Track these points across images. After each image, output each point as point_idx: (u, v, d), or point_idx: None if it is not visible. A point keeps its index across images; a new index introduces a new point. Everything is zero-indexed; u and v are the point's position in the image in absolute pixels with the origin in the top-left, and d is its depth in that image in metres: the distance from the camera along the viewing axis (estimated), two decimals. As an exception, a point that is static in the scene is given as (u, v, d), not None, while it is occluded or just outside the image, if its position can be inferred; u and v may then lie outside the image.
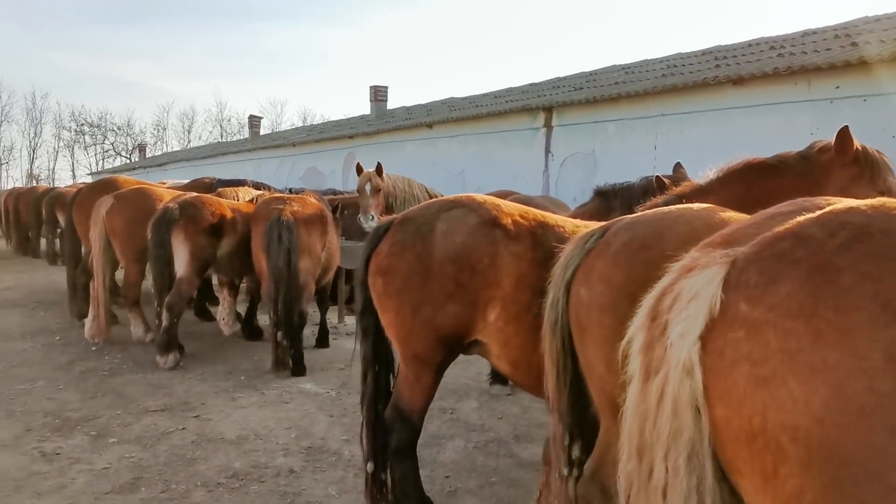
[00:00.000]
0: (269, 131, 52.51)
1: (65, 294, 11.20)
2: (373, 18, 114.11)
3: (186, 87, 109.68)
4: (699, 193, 3.74)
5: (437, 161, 17.91)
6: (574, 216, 5.38)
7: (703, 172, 5.09)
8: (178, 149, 68.25)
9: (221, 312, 8.80)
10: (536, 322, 3.30)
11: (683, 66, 14.57)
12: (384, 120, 23.85)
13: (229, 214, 7.57)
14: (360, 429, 3.89)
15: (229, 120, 75.66)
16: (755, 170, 3.76)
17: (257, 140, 35.54)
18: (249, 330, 8.54)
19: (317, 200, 7.76)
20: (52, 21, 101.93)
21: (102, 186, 9.24)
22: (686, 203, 3.58)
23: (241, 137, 64.64)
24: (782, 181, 3.64)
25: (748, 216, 2.55)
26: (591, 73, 18.95)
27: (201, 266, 7.38)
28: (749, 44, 14.95)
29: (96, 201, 8.50)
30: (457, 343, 3.52)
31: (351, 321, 9.81)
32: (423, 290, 3.44)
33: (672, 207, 2.86)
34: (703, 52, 15.92)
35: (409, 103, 27.89)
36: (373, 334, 3.78)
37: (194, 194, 7.81)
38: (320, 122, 67.87)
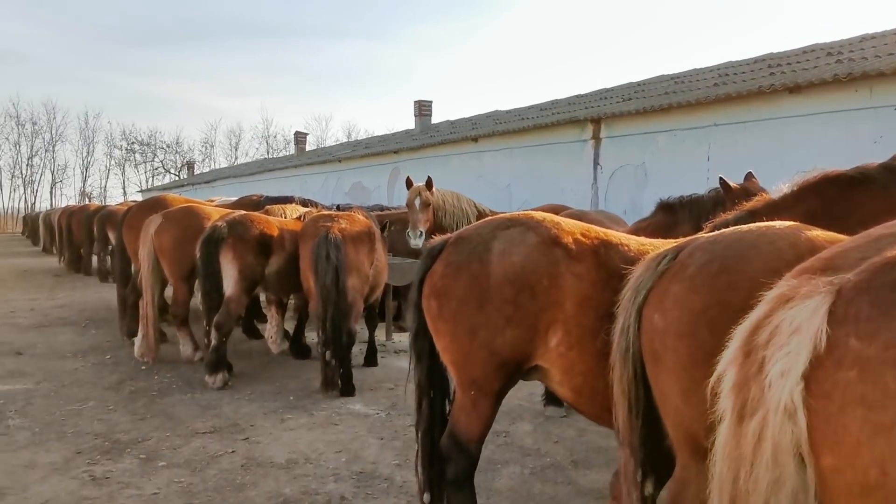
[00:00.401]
0: (315, 147, 52.99)
1: (116, 312, 11.31)
2: (416, 33, 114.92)
3: (233, 105, 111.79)
4: (772, 209, 3.51)
5: (483, 175, 17.76)
6: (635, 232, 5.17)
7: (774, 186, 4.87)
8: (226, 165, 69.35)
9: (269, 331, 8.74)
10: (602, 347, 3.11)
11: (736, 74, 14.22)
12: (429, 134, 23.81)
13: (277, 232, 7.51)
14: (413, 455, 3.74)
15: (275, 136, 76.76)
16: (834, 183, 3.51)
17: (303, 156, 35.85)
18: (297, 348, 8.46)
19: (364, 217, 7.65)
20: (104, 43, 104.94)
21: (151, 205, 9.28)
22: (759, 219, 3.37)
23: (287, 153, 65.51)
24: (865, 194, 3.39)
25: (843, 236, 2.35)
26: (638, 84, 18.65)
27: (250, 285, 7.33)
28: (804, 50, 14.55)
29: (146, 220, 8.54)
30: (516, 369, 3.35)
31: (399, 338, 9.70)
32: (481, 314, 3.27)
33: (751, 226, 2.65)
34: (756, 60, 15.53)
35: (452, 117, 27.84)
36: (427, 358, 3.62)
37: (242, 212, 7.78)
38: (364, 136, 68.49)
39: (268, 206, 8.73)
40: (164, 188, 56.93)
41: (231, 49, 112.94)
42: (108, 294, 14.29)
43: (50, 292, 14.80)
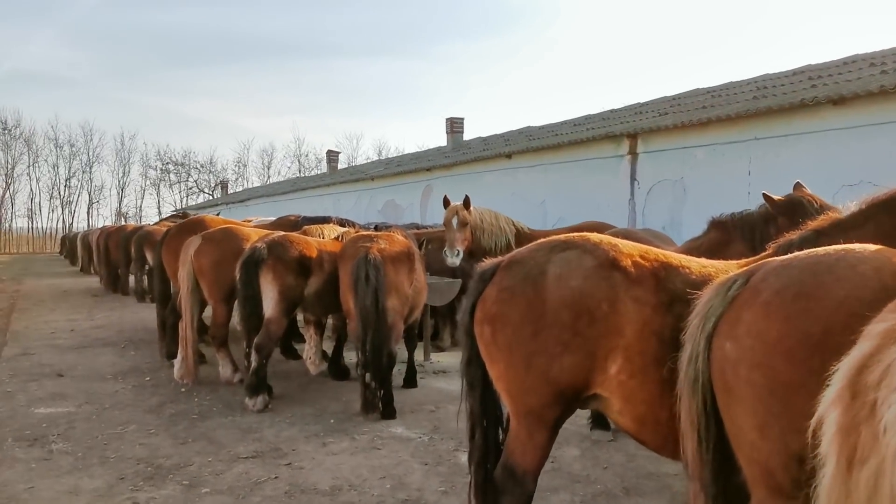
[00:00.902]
0: (346, 165, 53.30)
1: (154, 332, 11.34)
2: (446, 51, 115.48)
3: (265, 124, 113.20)
4: (840, 228, 3.36)
5: (517, 191, 17.63)
6: (687, 251, 5.02)
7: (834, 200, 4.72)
8: (259, 184, 70.00)
9: (308, 351, 8.69)
10: (666, 375, 2.98)
11: (774, 87, 13.98)
12: (461, 151, 23.77)
13: (316, 253, 7.46)
14: (459, 482, 3.62)
15: (307, 155, 77.27)
16: (906, 199, 3.35)
17: (335, 175, 36.02)
18: (336, 369, 8.39)
19: (404, 237, 7.58)
20: (139, 66, 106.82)
21: (190, 226, 9.31)
22: (826, 240, 3.22)
23: (319, 172, 65.98)
24: (943, 213, 3.23)
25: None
26: (674, 98, 18.44)
27: (290, 306, 7.28)
28: (844, 61, 14.27)
29: (184, 241, 8.56)
30: (574, 397, 3.22)
31: (437, 358, 9.59)
32: (537, 341, 3.16)
33: (828, 249, 2.51)
34: (794, 72, 15.28)
35: (484, 133, 27.78)
36: (480, 386, 3.51)
37: (281, 233, 7.75)
38: (395, 154, 68.82)
39: (305, 227, 8.69)
40: (199, 208, 57.59)
41: (263, 68, 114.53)
42: (146, 314, 14.39)
43: (89, 313, 14.93)
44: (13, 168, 64.36)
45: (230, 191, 64.11)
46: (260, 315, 7.21)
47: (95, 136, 72.23)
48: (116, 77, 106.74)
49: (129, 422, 6.68)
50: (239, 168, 76.47)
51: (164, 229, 17.37)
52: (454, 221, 8.51)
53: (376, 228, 9.52)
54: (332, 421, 6.71)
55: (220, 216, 20.75)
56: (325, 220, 10.24)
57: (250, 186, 69.24)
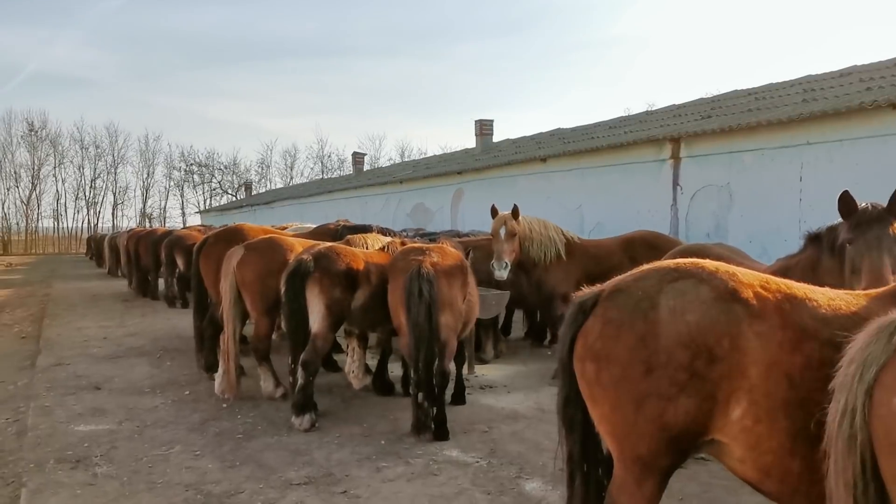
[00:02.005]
0: (369, 166, 53.15)
1: (188, 340, 11.14)
2: (465, 50, 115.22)
3: (288, 125, 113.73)
4: None
5: (552, 196, 17.29)
6: (783, 271, 4.67)
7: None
8: (281, 185, 70.05)
9: (350, 365, 8.41)
10: (799, 423, 2.67)
11: (822, 89, 13.54)
12: (493, 154, 23.45)
13: (363, 265, 7.18)
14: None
15: (329, 156, 77.26)
16: None
17: (362, 177, 35.82)
18: (381, 384, 8.10)
19: (454, 248, 7.27)
20: (161, 67, 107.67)
21: (229, 235, 9.06)
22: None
23: (341, 173, 65.94)
24: None
25: None
26: (713, 100, 18.02)
27: (337, 320, 7.01)
28: (894, 63, 13.81)
29: (223, 251, 8.31)
30: (689, 443, 2.90)
31: (481, 371, 9.27)
32: (649, 381, 2.84)
33: None
34: (842, 74, 14.82)
35: (509, 134, 27.47)
36: (581, 428, 3.20)
37: (327, 244, 7.47)
38: (418, 155, 68.61)
39: (349, 237, 8.40)
40: (223, 209, 57.71)
41: (284, 69, 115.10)
42: (178, 321, 14.22)
43: (120, 319, 14.77)
44: (39, 169, 64.96)
45: (253, 192, 64.18)
46: (306, 330, 6.94)
47: (120, 137, 72.35)
48: (140, 78, 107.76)
49: (172, 441, 6.43)
50: (262, 169, 76.65)
51: (195, 234, 17.35)
52: (502, 232, 8.22)
53: (423, 238, 9.24)
54: (382, 442, 6.42)
55: (246, 224, 20.62)
56: (365, 228, 9.97)
57: (274, 188, 69.30)
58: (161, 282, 18.88)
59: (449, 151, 43.07)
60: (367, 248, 8.05)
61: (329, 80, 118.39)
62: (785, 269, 4.82)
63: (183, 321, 14.03)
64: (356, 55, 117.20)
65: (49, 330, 13.22)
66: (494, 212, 8.45)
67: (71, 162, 67.54)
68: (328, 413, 7.29)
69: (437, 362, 6.46)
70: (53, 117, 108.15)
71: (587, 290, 3.23)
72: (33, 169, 64.42)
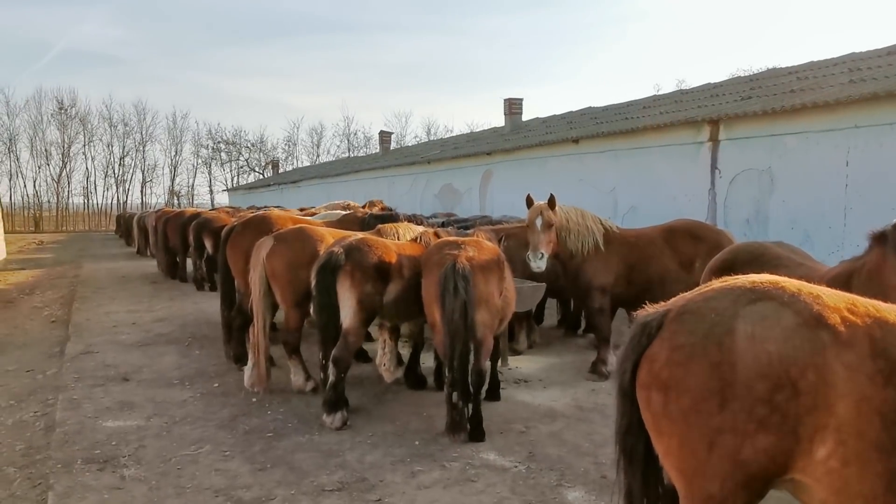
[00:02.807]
0: (396, 145, 52.81)
1: (217, 327, 11.01)
2: (491, 25, 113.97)
3: (315, 102, 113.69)
4: None
5: (585, 178, 16.92)
6: (847, 275, 4.35)
7: None
8: (308, 164, 70.00)
9: (382, 358, 8.19)
10: (893, 467, 2.39)
11: (870, 69, 12.99)
12: (522, 134, 23.04)
13: (395, 258, 6.94)
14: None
15: (356, 133, 77.06)
16: None
17: (389, 156, 35.56)
18: (413, 378, 7.89)
19: (490, 241, 7.00)
20: (188, 44, 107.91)
21: (257, 223, 8.85)
22: None
23: (368, 151, 65.74)
24: None
25: None
26: (751, 79, 17.48)
27: (369, 315, 6.78)
28: (946, 40, 13.21)
29: (251, 240, 8.12)
30: (766, 484, 2.63)
31: (514, 364, 9.03)
32: (723, 415, 2.57)
33: None
34: (889, 52, 14.23)
35: (540, 113, 26.99)
36: (642, 460, 2.93)
37: (358, 236, 7.23)
38: (444, 133, 68.14)
39: (379, 227, 8.14)
40: (250, 187, 57.80)
41: (310, 46, 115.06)
42: (206, 305, 14.13)
43: (149, 303, 14.70)
44: (69, 147, 65.42)
45: (280, 170, 64.17)
46: (337, 325, 6.72)
47: (148, 115, 72.81)
48: (167, 55, 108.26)
49: (201, 440, 6.26)
50: (289, 147, 76.70)
51: (223, 217, 17.21)
52: (538, 223, 7.92)
53: (443, 225, 8.97)
54: (416, 443, 6.21)
55: (277, 209, 20.49)
56: (393, 217, 9.71)
57: (300, 166, 69.29)
58: (189, 263, 18.80)
59: (476, 130, 42.67)
60: (398, 239, 7.81)
61: (355, 56, 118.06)
62: (849, 273, 4.50)
63: (211, 305, 13.94)
64: (382, 31, 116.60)
65: (78, 314, 13.18)
66: (530, 201, 8.14)
67: (100, 140, 68.03)
68: (359, 409, 7.10)
69: (472, 361, 6.22)
70: (82, 95, 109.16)
71: (650, 309, 2.94)
72: (63, 147, 64.95)
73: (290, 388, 7.78)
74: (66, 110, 64.44)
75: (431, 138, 64.50)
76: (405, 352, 8.43)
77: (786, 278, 2.84)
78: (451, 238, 7.17)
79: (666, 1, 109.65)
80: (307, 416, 6.92)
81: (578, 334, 11.03)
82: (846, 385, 2.48)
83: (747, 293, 2.72)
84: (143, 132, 69.24)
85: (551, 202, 7.98)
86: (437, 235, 7.81)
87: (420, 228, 8.36)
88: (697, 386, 2.61)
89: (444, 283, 6.12)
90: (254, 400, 7.46)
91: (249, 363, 7.75)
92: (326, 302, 6.70)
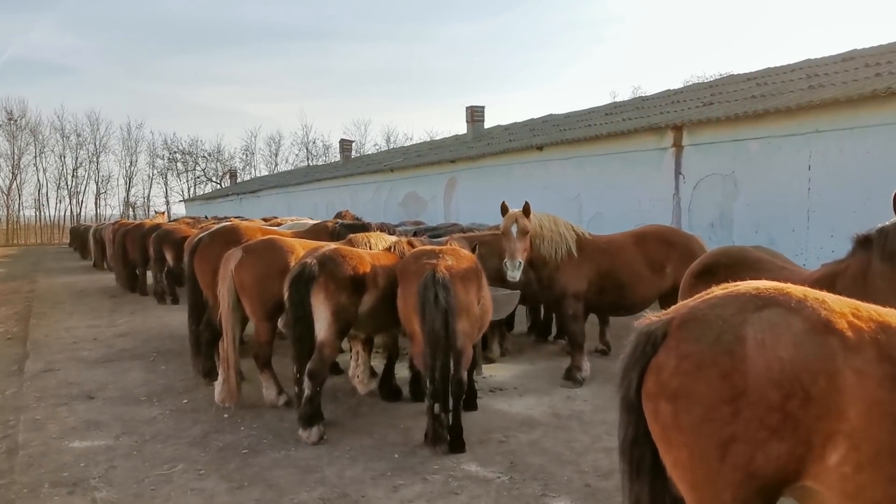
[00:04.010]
0: (356, 153, 52.52)
1: (181, 340, 10.81)
2: (447, 33, 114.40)
3: (272, 110, 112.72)
4: None
5: (550, 185, 16.99)
6: (830, 277, 4.37)
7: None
8: (266, 172, 69.33)
9: (355, 370, 8.08)
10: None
11: (827, 74, 13.28)
12: (486, 142, 23.07)
13: (370, 268, 6.83)
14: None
15: (314, 142, 76.60)
16: None
17: (351, 165, 35.33)
18: (388, 390, 7.78)
19: (465, 249, 6.93)
20: (141, 52, 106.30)
21: (225, 235, 8.66)
22: None
23: (327, 159, 65.33)
24: None
25: None
26: (710, 85, 17.75)
27: (344, 327, 6.66)
28: (891, 49, 13.57)
29: (219, 251, 7.94)
30: (778, 492, 2.60)
31: (489, 372, 8.97)
32: (735, 424, 2.52)
33: None
34: (844, 58, 14.59)
35: (498, 119, 27.06)
36: (650, 473, 2.87)
37: (332, 246, 7.10)
38: (404, 140, 68.07)
39: (351, 236, 8.02)
40: (208, 197, 57.02)
41: (266, 53, 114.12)
42: (169, 319, 13.83)
43: (110, 317, 14.33)
44: (20, 159, 63.99)
45: (239, 179, 63.44)
46: (312, 337, 6.59)
47: (102, 125, 71.82)
48: (120, 64, 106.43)
49: (174, 459, 6.08)
50: (247, 156, 75.97)
51: (184, 228, 16.90)
52: (513, 230, 7.88)
53: (415, 234, 8.89)
54: (396, 455, 6.10)
55: (237, 219, 20.26)
56: (364, 227, 9.59)
57: (259, 175, 68.58)
58: (149, 275, 18.40)
59: (437, 137, 42.72)
60: (370, 249, 7.70)
61: (313, 64, 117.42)
62: (832, 275, 4.52)
63: (174, 319, 13.66)
64: (340, 39, 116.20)
65: (36, 330, 12.79)
66: (505, 209, 8.10)
67: (52, 151, 66.68)
68: (335, 423, 6.96)
69: (452, 371, 6.14)
70: (33, 105, 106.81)
71: (653, 318, 2.89)
72: (13, 158, 63.43)
73: (262, 402, 7.61)
74: (16, 121, 62.99)
75: (391, 146, 64.43)
76: (377, 363, 8.32)
77: (789, 284, 2.81)
78: (428, 247, 7.09)
79: (621, 10, 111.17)
80: (282, 431, 6.77)
81: (549, 340, 11.02)
82: (857, 390, 2.46)
83: (753, 300, 2.68)
84: (97, 143, 68.09)
85: (526, 210, 7.95)
86: (410, 245, 7.73)
87: (392, 238, 8.25)
88: (708, 395, 2.57)
89: (423, 293, 6.03)
90: (225, 416, 7.28)
91: (220, 378, 7.57)
92: (301, 315, 6.56)
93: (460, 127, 27.21)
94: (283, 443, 6.45)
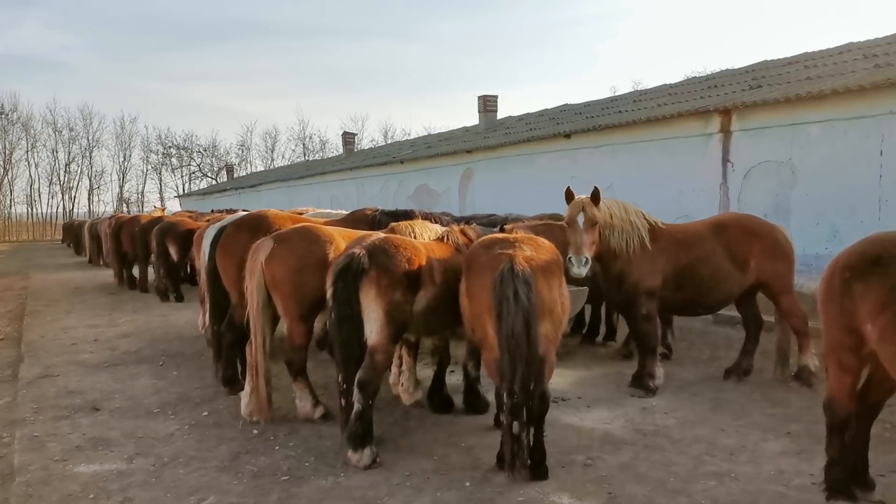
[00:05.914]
0: (355, 147, 51.37)
1: (191, 342, 9.94)
2: (443, 29, 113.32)
3: (268, 106, 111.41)
4: None
5: (578, 175, 15.95)
6: None
7: None
8: (263, 168, 68.22)
9: (399, 377, 7.09)
10: None
11: (886, 55, 12.30)
12: (502, 132, 22.03)
13: (426, 260, 5.82)
14: None
15: (311, 137, 75.42)
16: None
17: (356, 157, 34.29)
18: (439, 400, 6.77)
19: (542, 237, 5.89)
20: (134, 48, 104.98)
21: (252, 223, 7.60)
22: None
23: (324, 154, 64.23)
24: None
25: None
26: (745, 71, 16.73)
27: (399, 329, 5.63)
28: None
29: (246, 242, 6.91)
30: None
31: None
32: None
33: None
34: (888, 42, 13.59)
35: (499, 113, 25.79)
36: None
37: (381, 235, 6.08)
38: (401, 136, 66.94)
39: (392, 224, 7.00)
40: (204, 193, 55.88)
41: (260, 51, 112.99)
42: (175, 318, 12.78)
43: (110, 316, 13.27)
44: (11, 154, 62.63)
45: (235, 175, 62.26)
46: (361, 341, 5.56)
47: (95, 119, 70.06)
48: (113, 60, 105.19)
49: (202, 488, 5.05)
50: (242, 152, 74.69)
51: (187, 221, 15.84)
52: (580, 220, 6.90)
53: (466, 223, 7.82)
54: (467, 484, 5.09)
55: (270, 209, 19.06)
56: (407, 214, 8.56)
57: (255, 171, 67.43)
58: (150, 270, 17.34)
59: (434, 132, 41.63)
60: (414, 239, 6.65)
61: (309, 61, 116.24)
62: None
63: (180, 318, 12.64)
64: (335, 36, 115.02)
65: (31, 331, 11.74)
66: (570, 195, 7.12)
67: (44, 146, 65.32)
68: (384, 440, 5.92)
69: (534, 383, 5.11)
70: (25, 99, 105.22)
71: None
72: (5, 153, 62.09)
73: (295, 415, 6.60)
74: (7, 115, 61.65)
75: (388, 141, 63.38)
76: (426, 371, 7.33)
77: None
78: (499, 235, 6.07)
79: (617, 6, 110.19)
80: (324, 451, 5.76)
81: (598, 343, 10.02)
82: None
83: None
84: (90, 137, 66.80)
85: (595, 196, 6.97)
86: (464, 234, 6.72)
87: (438, 227, 7.22)
88: None
89: (500, 290, 5.00)
90: (255, 432, 6.26)
91: (247, 388, 6.54)
92: (348, 314, 5.53)
93: (459, 122, 26.27)
94: (328, 467, 5.44)
